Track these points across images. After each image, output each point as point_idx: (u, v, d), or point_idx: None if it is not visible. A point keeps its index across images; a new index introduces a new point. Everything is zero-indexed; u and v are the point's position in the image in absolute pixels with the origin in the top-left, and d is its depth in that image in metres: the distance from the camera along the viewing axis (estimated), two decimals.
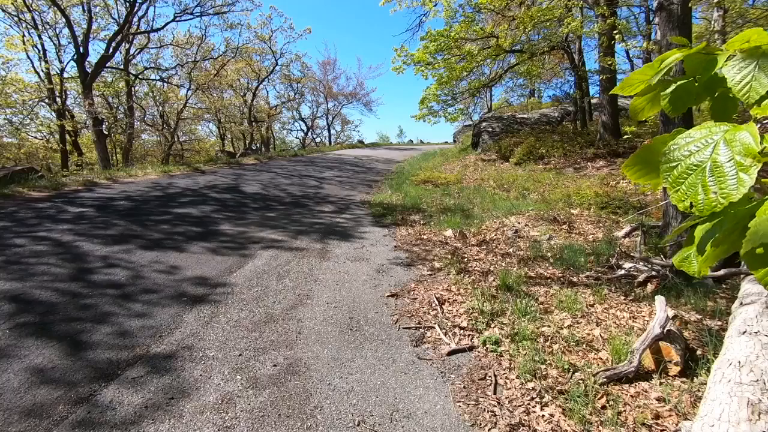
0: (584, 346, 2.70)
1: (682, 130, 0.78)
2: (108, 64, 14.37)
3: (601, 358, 2.58)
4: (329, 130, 35.63)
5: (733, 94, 0.82)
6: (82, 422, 1.90)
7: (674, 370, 2.34)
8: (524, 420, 2.04)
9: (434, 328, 2.95)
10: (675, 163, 0.74)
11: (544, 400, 2.18)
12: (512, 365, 2.50)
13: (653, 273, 3.63)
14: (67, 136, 16.90)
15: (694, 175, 0.71)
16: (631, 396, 2.20)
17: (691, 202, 0.70)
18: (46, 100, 16.19)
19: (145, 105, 21.05)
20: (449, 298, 3.46)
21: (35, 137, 18.81)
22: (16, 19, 14.95)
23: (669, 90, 0.91)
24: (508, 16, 11.01)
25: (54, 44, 16.03)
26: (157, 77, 18.98)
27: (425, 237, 5.38)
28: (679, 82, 0.90)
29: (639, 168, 0.90)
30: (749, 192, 0.66)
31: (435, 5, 10.71)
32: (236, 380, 2.26)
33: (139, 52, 17.79)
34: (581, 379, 2.33)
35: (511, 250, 4.84)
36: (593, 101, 13.74)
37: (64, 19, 13.28)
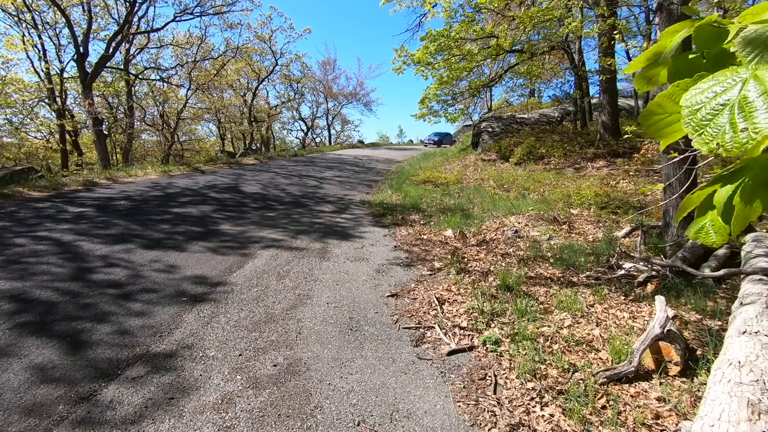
0: (584, 346, 2.70)
1: (704, 74, 0.74)
2: (108, 64, 14.37)
3: (601, 358, 2.58)
4: (329, 130, 35.66)
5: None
6: (83, 422, 1.90)
7: (674, 370, 2.34)
8: (524, 420, 2.04)
9: (434, 328, 2.95)
10: (698, 105, 0.69)
11: (544, 400, 2.18)
12: (512, 365, 2.50)
13: (653, 273, 3.63)
14: (67, 136, 16.90)
15: (720, 115, 0.66)
16: (631, 396, 2.20)
17: (717, 143, 0.64)
18: (46, 100, 16.20)
19: (145, 105, 21.05)
20: (449, 298, 3.46)
21: (35, 137, 18.81)
22: (16, 19, 14.96)
23: (681, 63, 0.86)
24: (508, 16, 11.01)
25: (54, 44, 16.05)
26: (157, 77, 19.00)
27: (425, 237, 5.38)
28: (689, 56, 0.86)
29: (657, 118, 0.84)
30: None
31: (434, 6, 10.71)
32: (236, 380, 2.26)
33: (139, 52, 17.80)
34: (581, 379, 2.33)
35: (511, 250, 4.84)
36: (593, 101, 13.75)
37: (64, 19, 13.28)
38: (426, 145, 31.33)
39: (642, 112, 0.86)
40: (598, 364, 2.50)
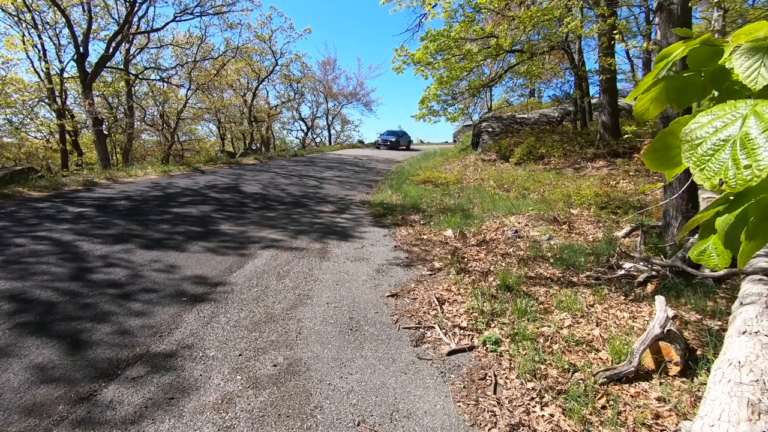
0: (584, 346, 2.70)
1: (702, 108, 0.75)
2: (108, 64, 14.37)
3: (601, 358, 2.58)
4: (329, 130, 35.66)
5: (739, 87, 0.80)
6: (83, 422, 1.90)
7: (674, 370, 2.34)
8: (524, 420, 2.04)
9: (434, 328, 2.95)
10: (698, 140, 0.70)
11: (544, 400, 2.18)
12: (512, 365, 2.50)
13: (653, 273, 3.63)
14: (67, 136, 16.89)
15: (721, 151, 0.66)
16: (631, 396, 2.20)
17: (720, 180, 0.65)
18: (46, 100, 16.20)
19: (145, 105, 21.05)
20: (449, 298, 3.46)
21: (35, 137, 18.81)
22: (16, 19, 14.95)
23: (678, 82, 0.88)
24: (508, 16, 11.01)
25: (54, 44, 16.04)
26: (157, 77, 19.00)
27: (425, 237, 5.38)
28: (685, 74, 0.88)
29: (659, 154, 0.86)
30: None
31: (434, 6, 10.70)
32: (236, 380, 2.26)
33: (139, 52, 17.80)
34: (581, 379, 2.33)
35: (511, 250, 4.84)
36: (593, 101, 13.75)
37: (64, 19, 13.28)
38: (379, 147, 26.69)
39: (645, 150, 0.89)
40: (598, 364, 2.50)
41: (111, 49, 13.82)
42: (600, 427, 1.99)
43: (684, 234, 0.97)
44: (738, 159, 0.64)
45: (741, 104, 0.70)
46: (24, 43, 15.30)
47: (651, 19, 13.80)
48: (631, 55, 17.35)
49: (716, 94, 0.87)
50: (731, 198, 0.80)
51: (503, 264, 4.33)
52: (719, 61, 0.82)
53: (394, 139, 27.12)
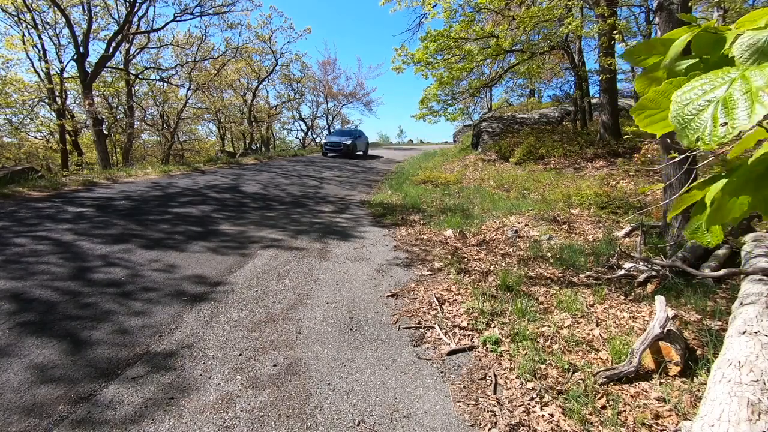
0: (584, 346, 2.70)
1: (698, 73, 0.76)
2: (108, 64, 14.37)
3: (601, 358, 2.58)
4: (329, 130, 35.58)
5: None
6: (83, 421, 1.90)
7: (674, 370, 2.34)
8: (524, 420, 2.04)
9: (434, 328, 2.95)
10: (687, 102, 0.71)
11: (544, 400, 2.18)
12: (512, 365, 2.50)
13: (653, 273, 3.63)
14: (67, 136, 16.89)
15: (704, 111, 0.68)
16: (631, 396, 2.20)
17: (697, 137, 0.67)
18: (46, 100, 16.20)
19: (145, 105, 21.05)
20: (449, 298, 3.46)
21: (35, 137, 18.81)
22: (16, 19, 14.95)
23: (680, 68, 0.88)
24: (508, 16, 11.01)
25: (54, 44, 16.04)
26: (157, 77, 18.99)
27: (425, 237, 5.38)
28: (687, 62, 0.88)
29: (649, 113, 0.86)
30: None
31: (434, 6, 10.71)
32: (236, 380, 2.26)
33: (139, 52, 17.80)
34: (581, 379, 2.33)
35: (511, 250, 4.84)
36: (593, 101, 13.75)
37: (64, 19, 13.27)
38: (326, 154, 18.66)
39: (634, 106, 0.87)
40: (598, 364, 2.50)
41: (111, 49, 13.82)
42: (600, 427, 1.99)
43: (677, 211, 0.98)
44: (717, 117, 0.66)
45: (733, 70, 0.71)
46: (24, 43, 15.30)
47: (651, 19, 13.80)
48: None
49: None
50: (723, 174, 0.81)
51: (503, 264, 4.33)
52: (722, 51, 0.82)
53: (348, 142, 18.18)
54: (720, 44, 0.83)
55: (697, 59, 0.88)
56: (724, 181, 0.79)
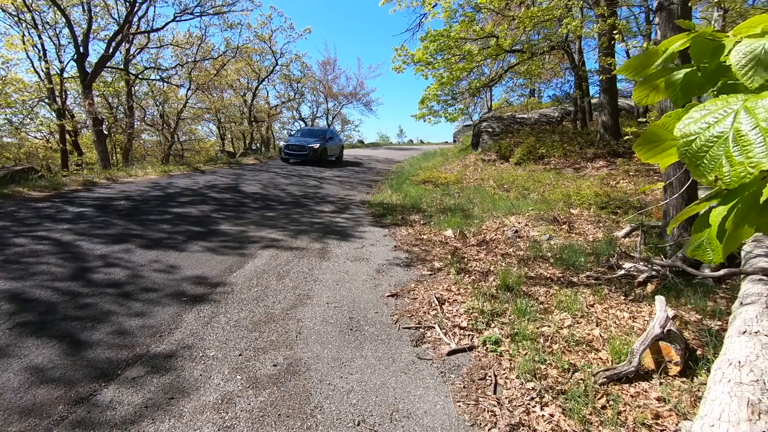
0: (584, 346, 2.70)
1: (695, 103, 0.75)
2: (108, 64, 14.35)
3: (601, 358, 2.58)
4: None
5: (735, 84, 0.80)
6: (82, 422, 1.90)
7: (674, 370, 2.34)
8: (524, 420, 2.04)
9: (434, 328, 2.95)
10: (692, 137, 0.70)
11: (544, 400, 2.18)
12: (512, 365, 2.50)
13: (653, 273, 3.63)
14: (67, 136, 16.89)
15: (715, 147, 0.66)
16: (631, 396, 2.20)
17: (716, 176, 0.66)
18: (46, 100, 16.19)
19: (145, 105, 21.03)
20: (449, 298, 3.45)
21: (35, 137, 18.79)
22: (16, 19, 14.94)
23: (678, 77, 0.88)
24: (508, 16, 11.01)
25: (54, 44, 16.03)
26: (157, 77, 18.96)
27: (425, 237, 5.38)
28: (685, 71, 0.88)
29: (651, 146, 0.86)
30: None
31: (434, 6, 10.71)
32: (236, 380, 2.26)
33: (139, 52, 17.77)
34: (581, 379, 2.33)
35: (511, 250, 4.83)
36: (593, 101, 13.74)
37: (64, 19, 13.27)
38: (287, 160, 14.86)
39: (637, 141, 0.88)
40: (598, 364, 2.50)
41: (111, 49, 13.81)
42: (600, 427, 1.99)
43: (677, 223, 0.98)
44: (731, 155, 0.65)
45: (733, 99, 0.70)
46: (24, 43, 15.28)
47: (651, 19, 13.79)
48: (631, 55, 17.34)
49: (714, 90, 0.87)
50: (725, 192, 0.80)
51: (503, 264, 4.33)
52: (720, 58, 0.81)
53: (315, 145, 14.32)
54: (718, 52, 0.82)
55: (695, 67, 0.87)
56: (728, 205, 0.77)
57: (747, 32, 0.79)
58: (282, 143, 15.35)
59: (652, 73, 0.94)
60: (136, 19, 14.88)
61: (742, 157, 0.64)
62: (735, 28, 0.83)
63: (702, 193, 4.52)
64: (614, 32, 8.80)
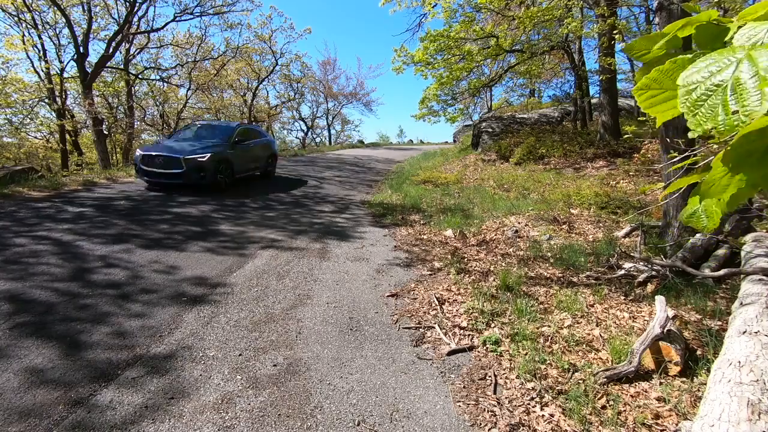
0: (584, 346, 2.70)
1: (704, 51, 0.73)
2: (108, 64, 14.35)
3: (601, 358, 2.58)
4: (329, 130, 35.61)
5: None
6: (82, 422, 1.90)
7: (674, 370, 2.34)
8: (524, 420, 2.04)
9: (434, 328, 2.95)
10: (693, 85, 0.68)
11: (544, 400, 2.18)
12: (512, 365, 2.50)
13: (653, 273, 3.63)
14: (67, 136, 16.89)
15: (714, 96, 0.66)
16: (631, 396, 2.20)
17: (711, 126, 0.65)
18: (46, 100, 16.18)
19: (145, 105, 21.04)
20: (449, 298, 3.45)
21: (35, 137, 18.79)
22: (16, 19, 14.93)
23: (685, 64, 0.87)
24: (508, 16, 11.01)
25: (54, 44, 16.03)
26: (157, 77, 18.98)
27: (425, 237, 5.38)
28: (689, 55, 0.88)
29: (652, 93, 0.83)
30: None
31: (434, 6, 10.70)
32: (236, 380, 2.26)
33: (139, 52, 17.78)
34: (581, 379, 2.33)
35: (511, 250, 4.83)
36: (593, 101, 13.74)
37: (64, 19, 13.27)
38: (150, 182, 7.88)
39: (636, 85, 0.84)
40: (598, 364, 2.50)
41: (111, 49, 13.81)
42: (600, 427, 1.99)
43: (668, 191, 0.97)
44: (728, 104, 0.64)
45: (739, 49, 0.69)
46: (24, 43, 15.28)
47: (651, 19, 13.79)
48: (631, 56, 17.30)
49: None
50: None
51: (503, 264, 4.32)
52: (725, 39, 0.80)
53: (204, 157, 7.58)
54: (721, 37, 0.81)
55: (699, 52, 0.87)
56: (721, 154, 0.75)
57: (751, 17, 0.78)
58: (138, 152, 7.92)
59: (656, 58, 0.92)
60: (136, 19, 14.88)
61: (738, 105, 0.63)
62: (739, 14, 0.82)
63: None
64: (614, 32, 8.80)
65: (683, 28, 0.87)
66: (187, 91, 19.91)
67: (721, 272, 3.30)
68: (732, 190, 0.77)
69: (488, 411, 2.10)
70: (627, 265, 3.95)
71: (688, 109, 0.68)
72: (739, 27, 0.77)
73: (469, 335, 2.85)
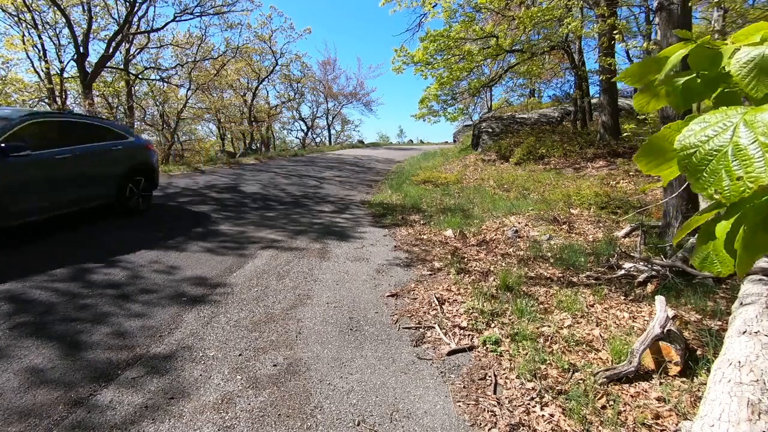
0: (584, 346, 2.70)
1: (696, 115, 0.75)
2: (108, 64, 14.36)
3: (601, 358, 2.58)
4: (329, 130, 35.61)
5: (734, 91, 0.80)
6: (82, 422, 1.90)
7: (674, 370, 2.34)
8: (524, 420, 2.04)
9: (434, 328, 2.95)
10: (692, 149, 0.69)
11: (544, 400, 2.18)
12: (512, 365, 2.50)
13: (653, 273, 3.63)
14: None
15: (715, 161, 0.66)
16: (631, 396, 2.20)
17: (715, 190, 0.65)
18: (46, 100, 16.17)
19: (145, 105, 21.04)
20: (449, 298, 3.45)
21: None
22: (16, 19, 14.93)
23: (679, 83, 0.88)
24: (508, 16, 11.02)
25: (54, 44, 16.01)
26: (157, 77, 18.97)
27: (425, 237, 5.38)
28: (684, 78, 0.88)
29: (652, 158, 0.86)
30: None
31: (434, 6, 10.70)
32: (236, 380, 2.26)
33: (139, 52, 17.77)
34: (581, 379, 2.33)
35: (511, 250, 4.83)
36: (593, 101, 13.73)
37: (64, 19, 13.27)
38: None
39: (637, 153, 0.88)
40: (598, 364, 2.50)
41: (111, 49, 13.82)
42: (600, 427, 1.99)
43: (681, 236, 0.97)
44: (731, 170, 0.64)
45: (732, 112, 0.70)
46: (24, 43, 15.27)
47: (651, 19, 13.80)
48: (631, 55, 17.28)
49: (713, 98, 0.87)
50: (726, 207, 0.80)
51: (503, 264, 4.33)
52: (719, 67, 0.82)
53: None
54: (717, 60, 0.82)
55: (694, 74, 0.88)
56: (732, 218, 0.76)
57: (745, 40, 0.79)
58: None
59: (652, 82, 0.94)
60: (136, 19, 14.88)
61: (742, 171, 0.63)
62: (733, 35, 0.83)
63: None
64: (614, 32, 8.80)
65: (680, 52, 0.88)
66: (187, 91, 19.89)
67: None
68: (759, 255, 0.77)
69: (488, 411, 2.10)
70: (627, 265, 3.96)
71: (690, 173, 0.69)
72: (734, 50, 0.78)
73: (469, 335, 2.85)
